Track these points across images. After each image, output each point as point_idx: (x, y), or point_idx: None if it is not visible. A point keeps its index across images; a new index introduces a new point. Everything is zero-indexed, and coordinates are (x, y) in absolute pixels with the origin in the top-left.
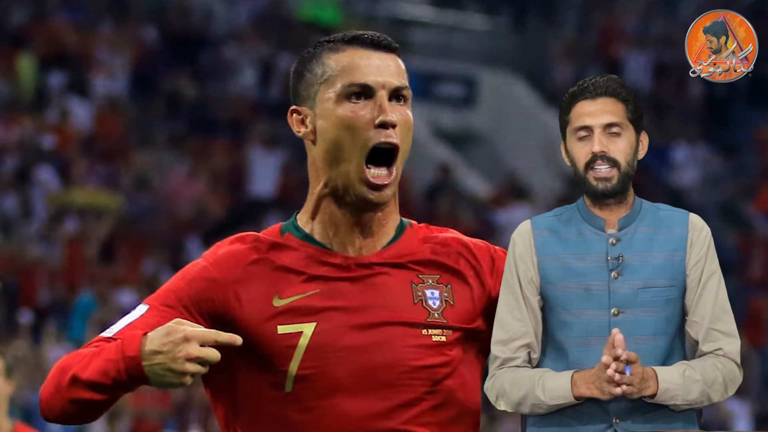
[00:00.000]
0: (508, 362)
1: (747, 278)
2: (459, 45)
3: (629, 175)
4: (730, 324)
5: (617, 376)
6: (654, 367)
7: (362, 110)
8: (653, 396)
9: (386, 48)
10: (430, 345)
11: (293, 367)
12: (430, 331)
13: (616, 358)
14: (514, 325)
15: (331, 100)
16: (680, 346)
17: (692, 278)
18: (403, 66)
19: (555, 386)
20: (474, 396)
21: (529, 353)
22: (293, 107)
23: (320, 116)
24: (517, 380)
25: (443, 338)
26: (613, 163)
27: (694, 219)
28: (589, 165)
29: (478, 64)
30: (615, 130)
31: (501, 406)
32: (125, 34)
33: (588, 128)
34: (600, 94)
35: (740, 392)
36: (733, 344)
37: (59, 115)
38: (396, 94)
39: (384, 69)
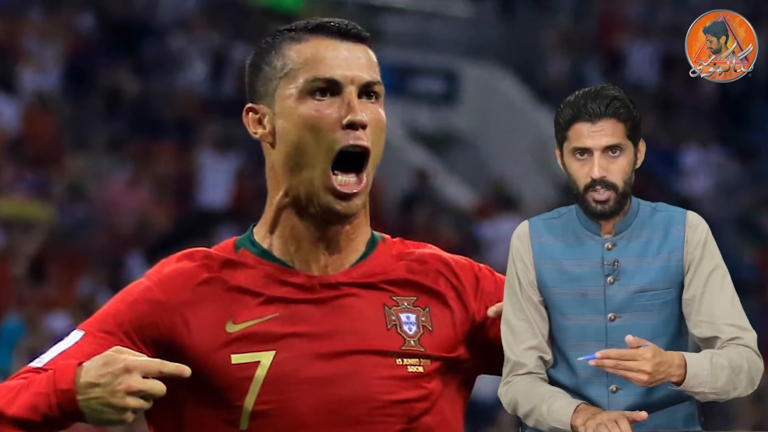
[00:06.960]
0: (519, 368)
1: (767, 300)
2: (439, 34)
3: (627, 193)
4: (742, 318)
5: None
6: (683, 353)
7: (328, 108)
8: (680, 383)
9: (355, 38)
10: (406, 376)
11: (249, 401)
12: (405, 360)
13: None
14: (519, 326)
15: (292, 96)
16: (680, 347)
17: (691, 277)
18: (374, 58)
19: (559, 408)
20: None
21: (539, 357)
22: (249, 105)
23: (280, 115)
24: (529, 393)
25: (420, 369)
26: (611, 186)
27: (691, 217)
28: (588, 188)
29: (460, 56)
30: (615, 150)
31: (512, 413)
32: (58, 22)
33: (587, 150)
34: (600, 117)
35: (760, 428)
36: (749, 334)
37: None
38: (366, 91)
39: (353, 61)
